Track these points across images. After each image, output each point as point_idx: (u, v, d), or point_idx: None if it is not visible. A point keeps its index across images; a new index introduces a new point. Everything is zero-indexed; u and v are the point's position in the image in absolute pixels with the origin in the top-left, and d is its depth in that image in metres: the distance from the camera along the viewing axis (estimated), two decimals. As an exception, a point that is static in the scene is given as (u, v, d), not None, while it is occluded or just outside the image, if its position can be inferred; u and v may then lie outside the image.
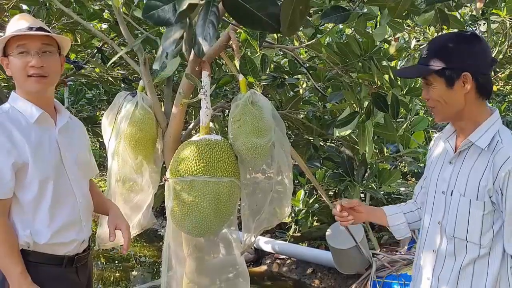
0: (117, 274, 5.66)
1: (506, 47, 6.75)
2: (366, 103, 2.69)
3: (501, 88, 8.62)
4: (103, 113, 5.25)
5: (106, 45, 4.09)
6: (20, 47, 1.87)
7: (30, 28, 1.88)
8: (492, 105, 3.43)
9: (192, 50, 1.41)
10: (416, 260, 2.00)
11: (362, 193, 4.09)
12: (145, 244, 6.73)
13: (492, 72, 7.18)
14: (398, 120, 2.84)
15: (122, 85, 4.29)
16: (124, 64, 4.11)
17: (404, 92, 2.77)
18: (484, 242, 1.70)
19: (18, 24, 1.91)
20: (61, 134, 2.01)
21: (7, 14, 3.50)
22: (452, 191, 1.77)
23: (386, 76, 2.74)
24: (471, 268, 1.74)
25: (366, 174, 3.59)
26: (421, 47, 6.45)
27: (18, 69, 1.88)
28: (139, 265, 6.04)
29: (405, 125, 2.95)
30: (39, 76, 1.89)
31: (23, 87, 1.93)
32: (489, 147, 1.69)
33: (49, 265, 1.94)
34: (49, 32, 1.95)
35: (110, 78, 3.92)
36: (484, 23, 5.76)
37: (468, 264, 1.74)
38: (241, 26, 2.51)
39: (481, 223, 1.69)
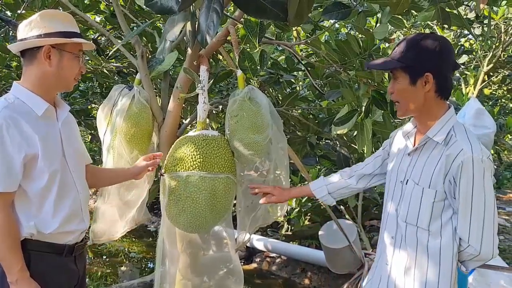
0: (105, 269, 5.62)
1: (500, 51, 6.80)
2: (364, 101, 2.68)
3: (494, 92, 8.68)
4: (95, 106, 5.22)
5: (100, 37, 4.04)
6: (80, 52, 2.01)
7: (81, 36, 2.02)
8: (485, 108, 3.43)
9: (195, 40, 1.37)
10: (378, 246, 2.14)
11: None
12: (134, 239, 6.69)
13: (486, 76, 7.23)
14: (396, 119, 2.83)
15: (116, 78, 4.25)
16: (119, 57, 4.07)
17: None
18: (433, 228, 1.85)
19: (74, 26, 2.00)
20: (63, 127, 2.03)
21: (2, 3, 3.45)
22: (408, 180, 1.93)
23: (386, 74, 2.72)
24: (425, 257, 1.87)
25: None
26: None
27: (73, 69, 1.99)
28: (127, 261, 6.00)
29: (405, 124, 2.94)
30: (77, 80, 2.07)
31: (64, 84, 2.01)
32: (444, 141, 1.83)
33: (50, 254, 1.97)
34: None
35: (105, 71, 3.86)
36: (479, 27, 5.80)
37: (421, 252, 1.87)
38: (240, 20, 2.48)
39: (431, 209, 1.83)
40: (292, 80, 3.86)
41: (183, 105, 2.92)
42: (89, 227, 2.32)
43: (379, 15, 2.79)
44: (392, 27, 2.83)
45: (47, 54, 1.90)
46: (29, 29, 1.92)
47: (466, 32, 7.04)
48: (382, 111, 2.78)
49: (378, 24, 2.77)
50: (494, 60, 6.95)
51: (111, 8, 3.37)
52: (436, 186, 1.82)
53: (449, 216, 1.84)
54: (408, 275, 1.90)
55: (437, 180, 1.81)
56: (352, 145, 3.57)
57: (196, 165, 2.17)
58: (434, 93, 1.83)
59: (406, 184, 1.93)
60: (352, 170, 2.33)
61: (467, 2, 3.07)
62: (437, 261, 1.84)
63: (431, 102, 1.85)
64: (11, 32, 3.96)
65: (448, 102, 1.91)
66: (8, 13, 3.83)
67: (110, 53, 3.69)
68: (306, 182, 2.29)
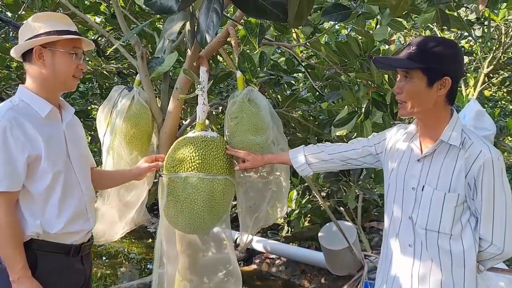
0: (105, 270, 5.61)
1: (501, 52, 6.80)
2: (364, 103, 2.68)
3: (494, 94, 8.69)
4: (95, 107, 5.22)
5: (100, 38, 4.04)
6: (76, 49, 1.99)
7: (78, 33, 2.00)
8: (485, 110, 3.42)
9: (194, 40, 1.37)
10: (385, 256, 2.08)
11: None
12: (133, 240, 6.69)
13: (486, 78, 7.23)
14: (396, 121, 2.83)
15: (116, 79, 4.25)
16: (119, 58, 4.07)
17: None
18: (454, 232, 1.83)
19: (67, 24, 1.99)
20: (67, 129, 2.06)
21: (2, 3, 3.45)
22: (424, 186, 1.88)
23: (386, 76, 2.72)
24: (449, 261, 1.85)
25: (362, 175, 3.57)
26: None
27: (68, 66, 1.97)
28: (127, 262, 6.00)
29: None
30: (78, 78, 2.06)
31: (63, 83, 2.01)
32: (460, 144, 1.82)
33: (57, 254, 1.99)
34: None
35: (105, 72, 3.87)
36: (480, 28, 5.79)
37: (444, 257, 1.86)
38: (241, 21, 2.48)
39: (453, 214, 1.82)
40: (292, 81, 3.86)
41: (183, 106, 2.92)
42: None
43: (378, 17, 2.79)
44: (391, 29, 2.83)
45: (39, 55, 1.92)
46: (23, 34, 1.96)
47: (466, 33, 7.04)
48: (382, 113, 2.78)
49: (377, 26, 2.77)
50: (494, 62, 6.95)
51: (111, 9, 3.37)
52: (456, 190, 1.80)
53: (467, 218, 1.84)
54: (433, 281, 1.87)
55: (457, 183, 1.80)
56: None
57: (195, 166, 2.17)
58: (445, 97, 1.82)
59: (422, 190, 1.88)
60: (335, 147, 2.27)
61: (466, 4, 3.06)
62: (461, 263, 1.83)
63: (439, 106, 1.83)
64: (11, 33, 3.96)
65: (451, 107, 1.90)
66: (9, 13, 3.84)
67: (108, 52, 3.69)
68: (306, 184, 2.28)
